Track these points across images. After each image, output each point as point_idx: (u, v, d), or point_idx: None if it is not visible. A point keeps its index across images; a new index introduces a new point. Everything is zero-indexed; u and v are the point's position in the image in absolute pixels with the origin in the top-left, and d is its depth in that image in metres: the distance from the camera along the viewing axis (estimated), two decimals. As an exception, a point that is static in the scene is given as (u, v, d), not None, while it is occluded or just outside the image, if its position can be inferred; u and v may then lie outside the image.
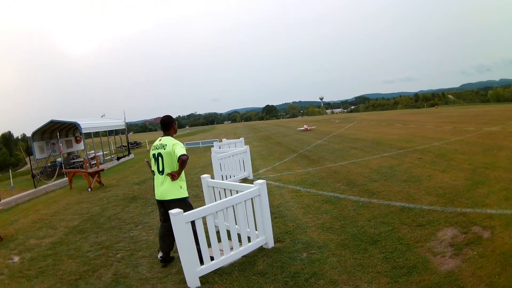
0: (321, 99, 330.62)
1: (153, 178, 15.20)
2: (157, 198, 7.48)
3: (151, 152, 7.61)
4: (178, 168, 7.21)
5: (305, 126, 47.85)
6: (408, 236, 6.99)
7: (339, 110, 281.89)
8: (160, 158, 7.31)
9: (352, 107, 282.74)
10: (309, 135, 37.80)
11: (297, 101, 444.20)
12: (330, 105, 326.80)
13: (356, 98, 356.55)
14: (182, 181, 7.41)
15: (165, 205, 7.30)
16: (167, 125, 7.61)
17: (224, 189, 8.54)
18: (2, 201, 18.81)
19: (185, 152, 7.13)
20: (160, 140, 7.49)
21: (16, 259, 9.43)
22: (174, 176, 7.15)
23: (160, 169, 7.34)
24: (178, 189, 7.23)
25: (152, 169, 7.75)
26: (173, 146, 7.15)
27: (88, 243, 9.77)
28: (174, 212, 6.18)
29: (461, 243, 6.41)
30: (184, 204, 7.21)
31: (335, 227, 8.03)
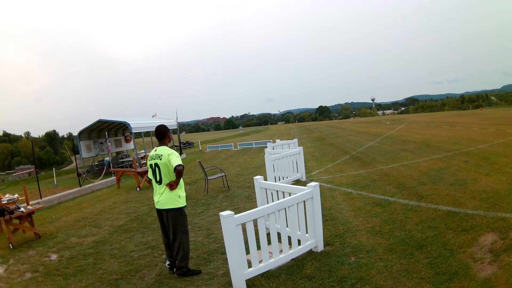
0: (373, 100, 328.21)
1: (205, 180, 15.37)
2: (156, 207, 7.46)
3: (148, 162, 7.58)
4: (175, 178, 7.18)
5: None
6: (453, 241, 6.91)
7: (390, 111, 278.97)
8: (157, 168, 7.29)
9: (402, 108, 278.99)
10: (362, 136, 37.52)
11: (349, 102, 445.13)
12: (381, 106, 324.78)
13: (406, 99, 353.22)
14: (180, 190, 7.39)
15: (163, 214, 7.36)
16: (162, 134, 7.58)
17: (277, 191, 8.36)
18: (44, 199, 19.22)
19: (180, 163, 7.12)
20: (155, 150, 7.48)
21: (54, 257, 9.50)
22: (172, 185, 7.15)
23: (158, 179, 7.33)
24: (176, 199, 7.24)
25: (149, 177, 7.70)
26: (168, 157, 7.14)
27: (133, 243, 9.84)
28: (225, 214, 6.06)
29: (499, 249, 6.31)
30: (180, 213, 7.29)
31: (384, 231, 7.97)
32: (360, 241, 7.51)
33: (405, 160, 17.19)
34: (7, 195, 12.02)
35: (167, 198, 7.17)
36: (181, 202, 7.26)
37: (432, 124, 46.54)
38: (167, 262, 7.54)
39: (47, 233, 11.94)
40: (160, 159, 7.18)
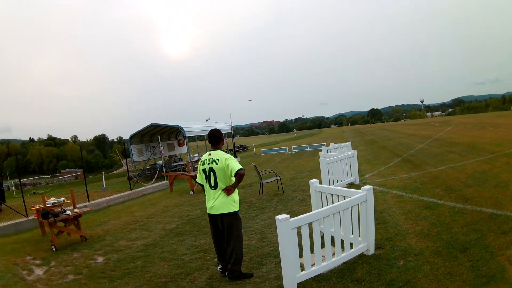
0: (422, 102, 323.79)
1: (260, 183, 15.21)
2: (209, 212, 7.16)
3: (201, 167, 7.23)
4: (234, 182, 6.94)
5: None
6: (493, 243, 6.82)
7: (438, 113, 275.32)
8: (212, 173, 6.98)
9: (450, 110, 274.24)
10: (412, 139, 37.21)
11: (400, 104, 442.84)
12: (430, 108, 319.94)
13: (453, 100, 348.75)
14: (235, 195, 7.13)
15: (217, 219, 7.10)
16: (216, 139, 7.24)
17: (332, 194, 8.13)
18: (92, 202, 19.23)
19: (241, 166, 6.84)
20: (209, 154, 7.14)
21: (100, 259, 9.41)
22: (229, 190, 6.92)
23: (213, 184, 7.01)
24: (232, 203, 7.00)
25: (199, 182, 7.42)
26: (225, 161, 6.85)
27: (184, 246, 9.63)
28: (281, 217, 5.87)
29: (535, 251, 6.25)
30: (235, 217, 7.08)
31: (432, 234, 7.87)
32: (409, 244, 7.45)
33: (453, 163, 16.99)
34: (52, 198, 12.15)
35: (222, 203, 6.96)
36: (235, 206, 7.07)
37: (477, 126, 46.00)
38: (219, 266, 7.39)
39: (94, 236, 12.00)
40: (217, 164, 6.92)
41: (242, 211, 12.45)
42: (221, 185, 6.98)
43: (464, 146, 23.72)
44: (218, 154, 7.04)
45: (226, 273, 7.18)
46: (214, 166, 6.95)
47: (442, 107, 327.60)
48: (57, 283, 7.98)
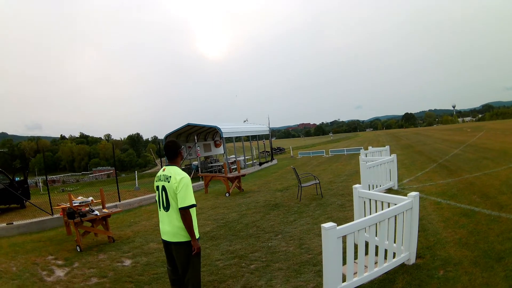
0: (454, 107, 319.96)
1: (299, 187, 14.94)
2: (162, 237, 5.84)
3: (155, 184, 5.92)
4: (184, 224, 5.51)
5: None
6: None
7: (469, 118, 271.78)
8: (164, 192, 5.67)
9: (480, 115, 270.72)
10: (447, 144, 36.66)
11: (432, 109, 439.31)
12: (461, 113, 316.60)
13: (483, 106, 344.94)
14: (194, 222, 5.64)
15: (171, 247, 5.74)
16: (173, 152, 5.89)
17: (376, 201, 7.71)
18: (123, 201, 18.29)
19: (193, 202, 5.58)
20: (164, 170, 5.84)
21: (128, 262, 8.94)
22: (196, 248, 5.55)
23: (165, 205, 5.67)
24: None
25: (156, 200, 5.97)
26: (177, 183, 5.50)
27: (219, 251, 9.05)
28: (327, 226, 5.37)
29: None
30: (190, 246, 5.59)
31: (470, 242, 7.62)
32: (448, 254, 7.21)
33: (487, 169, 16.59)
34: (79, 198, 11.86)
35: (177, 229, 5.60)
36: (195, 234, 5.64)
37: (507, 132, 45.47)
38: None
39: (123, 237, 11.50)
40: (168, 181, 5.61)
41: (280, 215, 12.33)
42: (174, 207, 5.64)
43: (497, 152, 23.37)
44: (172, 170, 5.72)
45: None
46: (166, 184, 5.69)
47: (472, 112, 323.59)
48: (79, 286, 7.63)
